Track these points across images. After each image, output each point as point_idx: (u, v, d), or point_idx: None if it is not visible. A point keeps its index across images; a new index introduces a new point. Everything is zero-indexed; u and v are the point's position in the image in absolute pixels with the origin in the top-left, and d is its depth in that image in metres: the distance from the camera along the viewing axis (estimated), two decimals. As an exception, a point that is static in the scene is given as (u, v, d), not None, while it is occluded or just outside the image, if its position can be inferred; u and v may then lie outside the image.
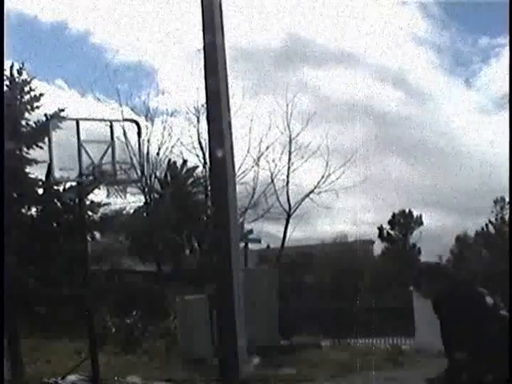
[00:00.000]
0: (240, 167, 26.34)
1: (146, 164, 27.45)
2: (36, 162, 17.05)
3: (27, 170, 17.51)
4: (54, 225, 18.71)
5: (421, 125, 44.49)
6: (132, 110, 28.21)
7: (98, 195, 17.32)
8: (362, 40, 49.27)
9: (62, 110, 17.58)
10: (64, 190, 17.69)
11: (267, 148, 28.70)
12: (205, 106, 15.32)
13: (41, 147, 16.26)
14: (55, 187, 17.91)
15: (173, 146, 28.99)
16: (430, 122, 44.30)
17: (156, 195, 30.58)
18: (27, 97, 18.16)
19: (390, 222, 43.23)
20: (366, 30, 46.34)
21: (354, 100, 43.98)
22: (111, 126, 12.84)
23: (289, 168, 29.40)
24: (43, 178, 17.03)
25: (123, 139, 16.88)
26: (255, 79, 47.28)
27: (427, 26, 54.67)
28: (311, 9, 43.25)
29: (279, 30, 47.17)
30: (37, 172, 17.88)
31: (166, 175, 31.24)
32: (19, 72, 18.61)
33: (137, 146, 14.41)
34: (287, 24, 47.33)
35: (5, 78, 16.54)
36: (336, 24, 45.46)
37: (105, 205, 19.42)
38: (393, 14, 50.41)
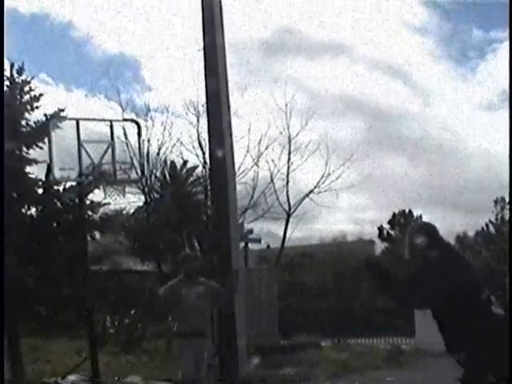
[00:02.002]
0: (240, 167, 26.29)
1: (145, 164, 27.45)
2: (36, 162, 16.98)
3: (27, 169, 17.43)
4: (54, 225, 18.63)
5: (422, 122, 44.37)
6: (132, 109, 28.14)
7: (98, 195, 17.30)
8: (362, 35, 49.09)
9: (62, 110, 17.54)
10: (64, 189, 17.62)
11: (266, 148, 28.63)
12: (205, 105, 15.33)
13: (41, 147, 16.21)
14: (55, 187, 17.84)
15: (173, 146, 28.91)
16: (431, 118, 44.17)
17: (156, 195, 30.54)
18: (27, 96, 18.12)
19: (389, 222, 43.18)
20: (365, 25, 46.17)
21: (353, 97, 43.90)
22: (111, 126, 12.87)
23: (288, 168, 29.34)
24: (43, 178, 16.98)
25: (123, 139, 16.92)
26: (253, 77, 47.17)
27: (428, 18, 54.42)
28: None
29: (275, 25, 47.03)
30: (37, 172, 17.85)
31: (165, 175, 31.20)
32: (19, 72, 18.58)
33: (137, 145, 14.44)
34: (285, 19, 47.07)
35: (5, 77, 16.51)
36: (336, 17, 45.18)
37: (105, 205, 19.34)
38: (393, 7, 50.13)
